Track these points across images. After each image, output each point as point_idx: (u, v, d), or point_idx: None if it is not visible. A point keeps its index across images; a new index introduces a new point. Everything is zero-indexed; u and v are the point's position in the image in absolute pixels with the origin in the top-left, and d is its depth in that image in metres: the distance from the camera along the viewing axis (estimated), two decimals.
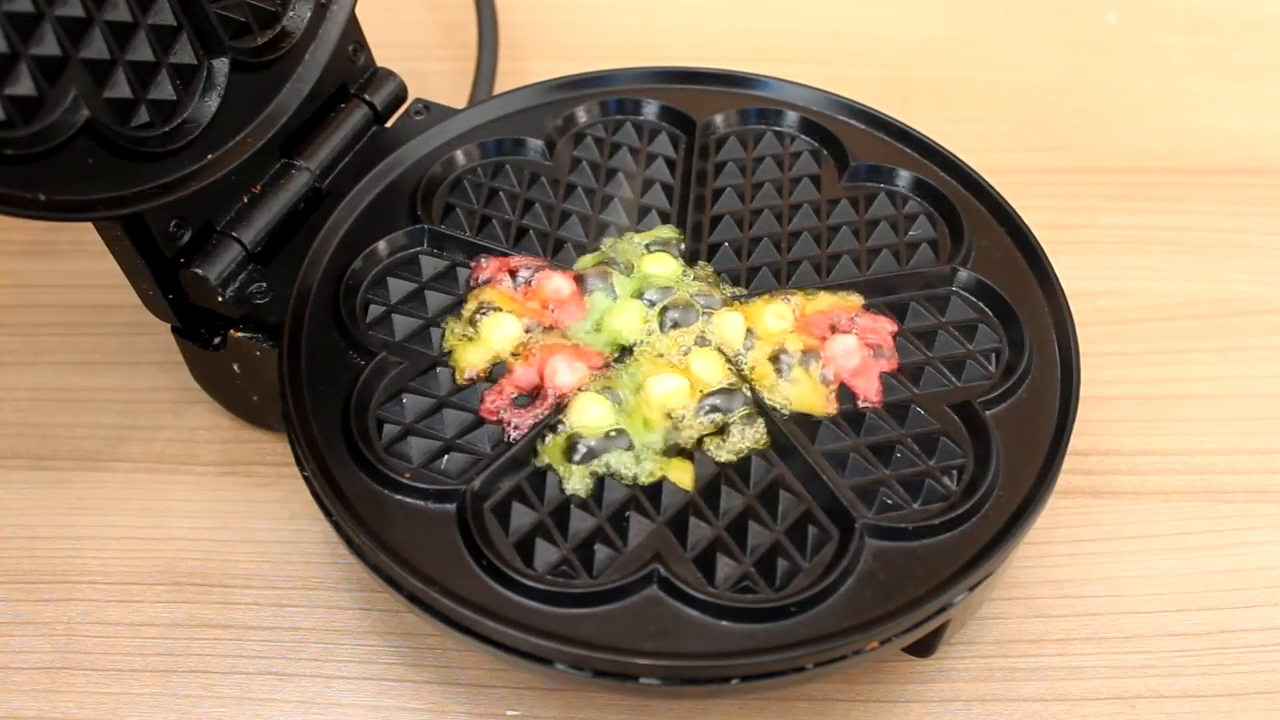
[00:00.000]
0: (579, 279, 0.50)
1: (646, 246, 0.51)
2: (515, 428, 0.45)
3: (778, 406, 0.46)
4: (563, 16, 0.75)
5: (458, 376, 0.47)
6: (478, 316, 0.48)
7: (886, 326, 0.48)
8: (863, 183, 0.54)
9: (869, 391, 0.46)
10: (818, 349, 0.47)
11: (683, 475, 0.44)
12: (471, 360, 0.47)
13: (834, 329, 0.48)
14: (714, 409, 0.46)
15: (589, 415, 0.45)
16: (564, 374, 0.46)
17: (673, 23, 0.76)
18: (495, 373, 0.47)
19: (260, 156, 0.50)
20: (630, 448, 0.45)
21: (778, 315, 0.48)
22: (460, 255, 0.51)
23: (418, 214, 0.52)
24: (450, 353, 0.47)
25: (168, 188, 0.46)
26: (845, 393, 0.47)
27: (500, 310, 0.48)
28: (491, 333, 0.47)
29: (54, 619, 0.49)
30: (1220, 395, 0.57)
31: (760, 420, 0.46)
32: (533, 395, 0.46)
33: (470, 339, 0.48)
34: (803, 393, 0.46)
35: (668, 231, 0.52)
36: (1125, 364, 0.58)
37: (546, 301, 0.49)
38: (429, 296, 0.50)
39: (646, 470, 0.44)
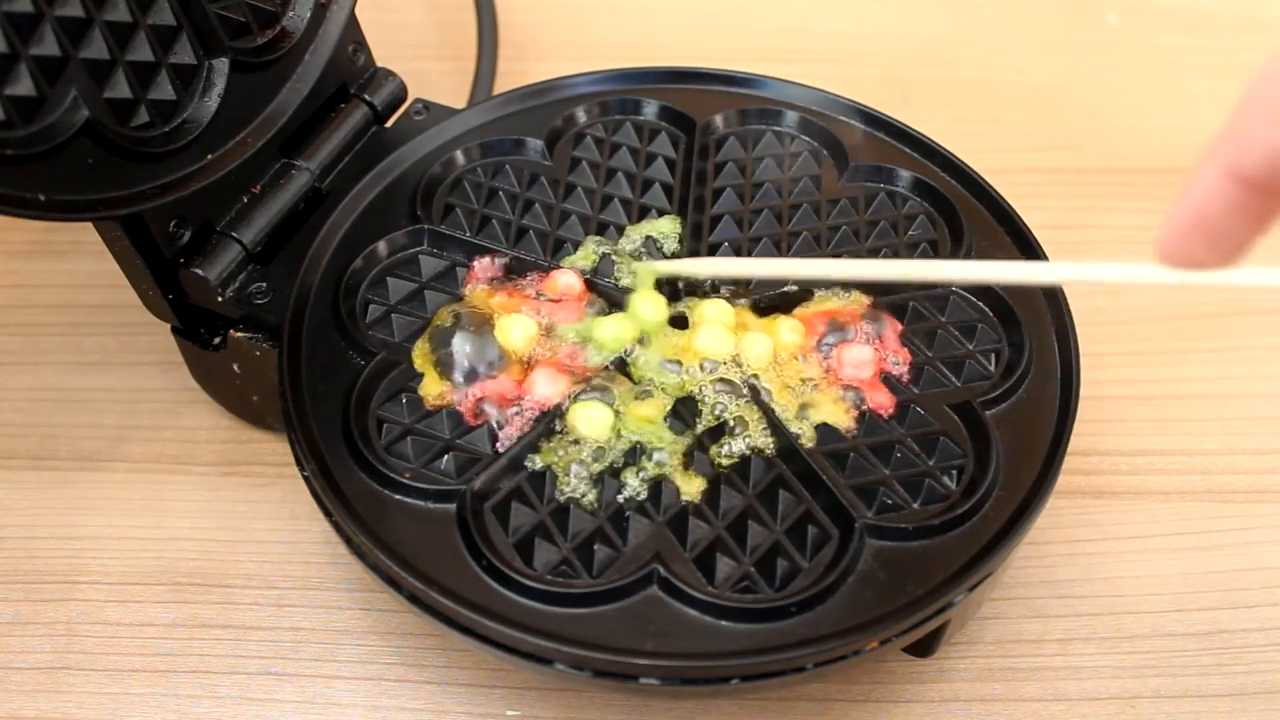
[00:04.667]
0: (589, 280, 0.50)
1: (640, 242, 0.52)
2: (506, 437, 0.45)
3: (799, 431, 0.46)
4: (563, 16, 0.75)
5: (425, 402, 0.46)
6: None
7: (895, 328, 0.48)
8: (863, 183, 0.54)
9: (883, 406, 0.46)
10: (832, 364, 0.47)
11: (687, 482, 0.44)
12: (436, 390, 0.46)
13: (835, 328, 0.48)
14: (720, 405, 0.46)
15: (589, 420, 0.45)
16: (543, 388, 0.46)
17: (673, 23, 0.76)
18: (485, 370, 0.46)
19: (260, 156, 0.50)
20: (630, 449, 0.45)
21: (792, 329, 0.48)
22: (460, 255, 0.51)
23: (418, 214, 0.52)
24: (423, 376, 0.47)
25: (168, 188, 0.46)
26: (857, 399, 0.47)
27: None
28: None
29: (54, 619, 0.49)
30: (1220, 395, 0.57)
31: (764, 424, 0.46)
32: (517, 404, 0.46)
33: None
34: (824, 415, 0.46)
35: (668, 223, 0.52)
36: (1125, 364, 0.58)
37: (556, 296, 0.49)
38: (429, 296, 0.50)
39: (647, 472, 0.44)
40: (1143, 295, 0.61)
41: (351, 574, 0.50)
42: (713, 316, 0.48)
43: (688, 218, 0.53)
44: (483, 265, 0.50)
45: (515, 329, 0.47)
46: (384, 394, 0.46)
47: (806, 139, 0.56)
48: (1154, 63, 0.73)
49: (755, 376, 0.47)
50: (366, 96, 0.55)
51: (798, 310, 0.49)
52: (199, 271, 0.48)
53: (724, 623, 0.40)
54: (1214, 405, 0.57)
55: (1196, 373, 0.58)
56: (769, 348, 0.47)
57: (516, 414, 0.46)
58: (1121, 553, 0.52)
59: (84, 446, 0.55)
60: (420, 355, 0.47)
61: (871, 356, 0.47)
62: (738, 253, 0.51)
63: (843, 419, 0.46)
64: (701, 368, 0.47)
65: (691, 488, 0.44)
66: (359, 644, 0.49)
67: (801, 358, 0.47)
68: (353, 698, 0.47)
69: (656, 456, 0.45)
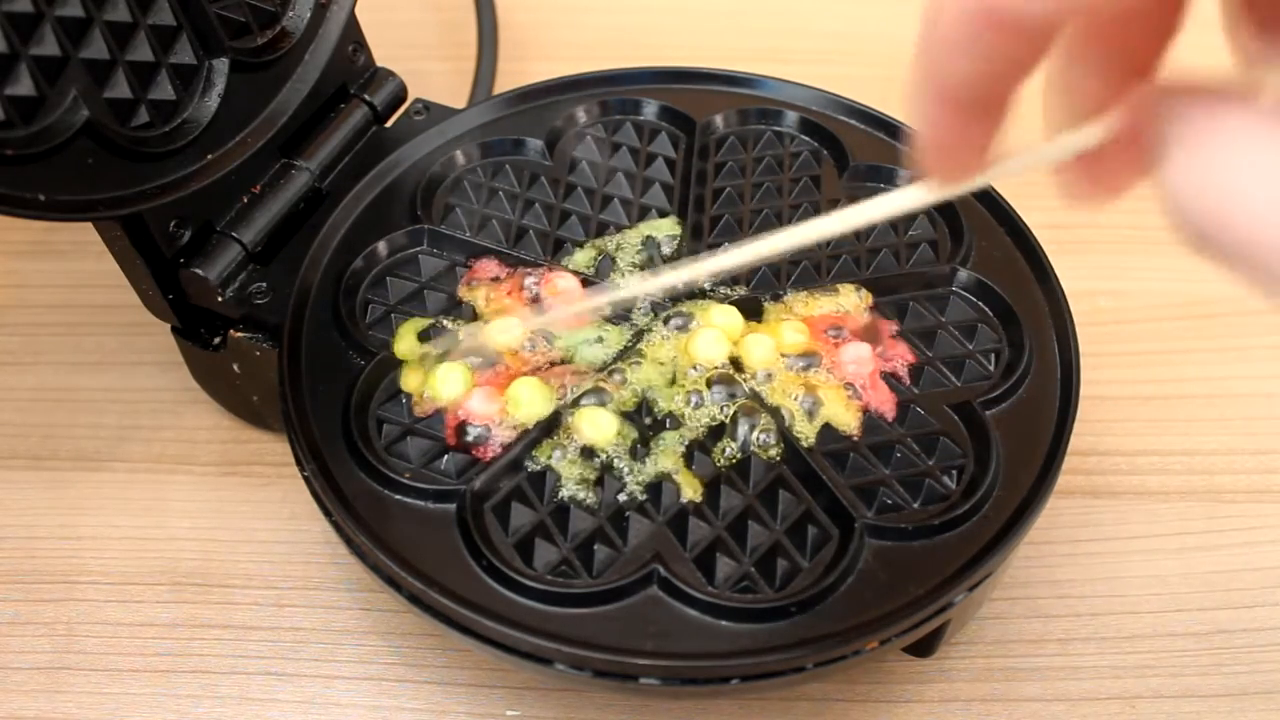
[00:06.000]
0: (586, 282, 0.50)
1: (643, 247, 0.52)
2: (489, 450, 0.45)
3: (800, 432, 0.45)
4: (563, 16, 0.75)
5: (415, 408, 0.46)
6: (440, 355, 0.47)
7: (895, 328, 0.48)
8: (863, 183, 0.54)
9: (884, 404, 0.46)
10: (831, 361, 0.47)
11: (687, 481, 0.44)
12: (416, 382, 0.46)
13: (838, 329, 0.48)
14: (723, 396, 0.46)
15: (595, 424, 0.45)
16: (528, 407, 0.45)
17: (673, 23, 0.76)
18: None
19: (260, 156, 0.50)
20: (632, 450, 0.45)
21: (796, 330, 0.48)
22: (460, 255, 0.51)
23: (418, 214, 0.52)
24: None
25: (168, 188, 0.46)
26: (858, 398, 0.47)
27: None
28: (440, 384, 0.46)
29: (54, 619, 0.49)
30: (1220, 395, 0.57)
31: (765, 424, 0.46)
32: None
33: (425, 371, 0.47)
34: (825, 415, 0.46)
35: (667, 224, 0.52)
36: (1125, 364, 0.58)
37: (556, 299, 0.49)
38: (429, 296, 0.50)
39: (647, 472, 0.44)
40: (1143, 295, 0.61)
41: (351, 574, 0.50)
42: (719, 322, 0.48)
43: (688, 218, 0.53)
44: (483, 265, 0.50)
45: (501, 331, 0.47)
46: (384, 394, 0.46)
47: (806, 139, 0.56)
48: None
49: (756, 377, 0.47)
50: (366, 96, 0.55)
51: (802, 310, 0.49)
52: (199, 271, 0.48)
53: (724, 623, 0.40)
54: (1214, 405, 0.57)
55: (1196, 373, 0.58)
56: (771, 349, 0.47)
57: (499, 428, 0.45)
58: (1121, 553, 0.52)
59: (84, 446, 0.55)
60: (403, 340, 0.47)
61: (870, 354, 0.47)
62: None
63: (844, 419, 0.46)
64: (695, 368, 0.47)
65: (691, 488, 0.44)
66: (359, 644, 0.49)
67: (804, 359, 0.47)
68: (353, 698, 0.47)
69: (657, 459, 0.45)
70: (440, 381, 0.46)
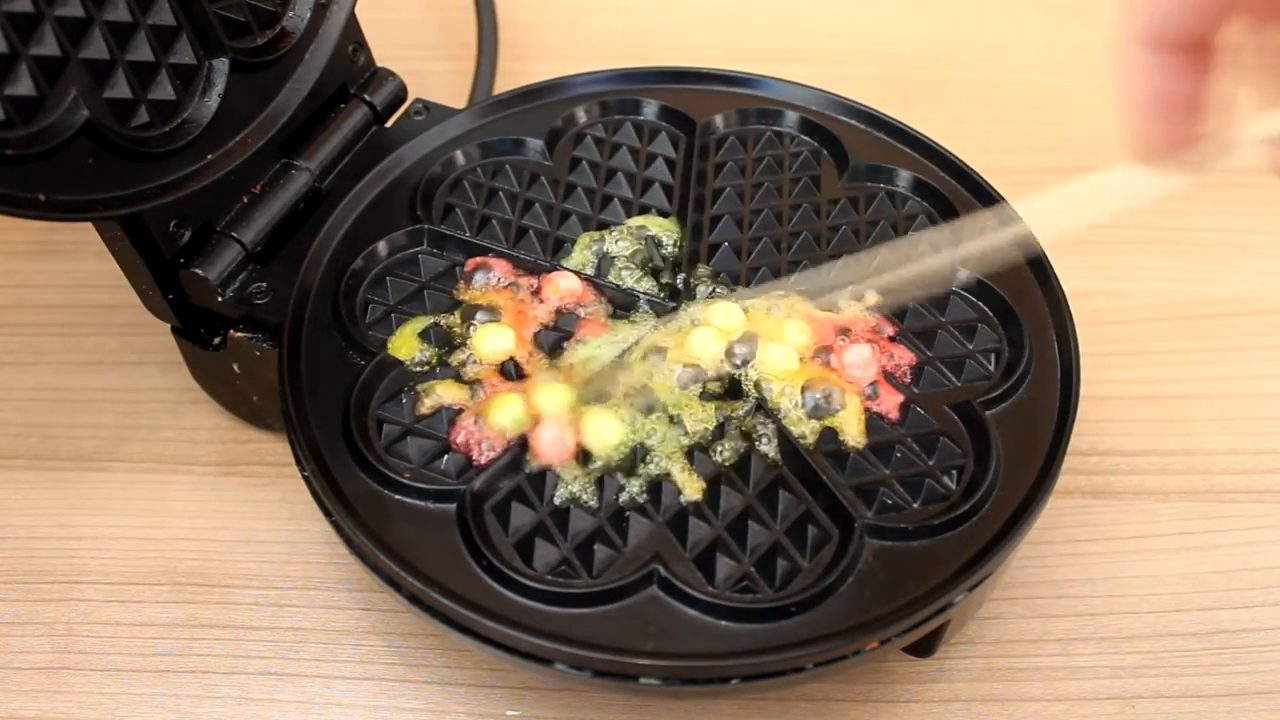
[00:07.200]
0: (591, 281, 0.50)
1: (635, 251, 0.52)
2: (483, 454, 0.45)
3: (801, 432, 0.45)
4: (563, 16, 0.75)
5: (421, 407, 0.46)
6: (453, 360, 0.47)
7: (895, 328, 0.48)
8: (863, 183, 0.54)
9: (886, 404, 0.46)
10: (834, 361, 0.47)
11: (687, 480, 0.44)
12: (442, 396, 0.46)
13: (844, 333, 0.48)
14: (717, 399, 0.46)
15: (598, 432, 0.45)
16: (548, 443, 0.44)
17: (673, 23, 0.76)
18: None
19: (260, 156, 0.50)
20: (632, 450, 0.45)
21: (798, 330, 0.48)
22: (460, 255, 0.51)
23: (417, 214, 0.52)
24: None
25: (168, 188, 0.47)
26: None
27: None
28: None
29: (54, 619, 0.49)
30: (1220, 395, 0.57)
31: (766, 425, 0.46)
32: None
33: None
34: (829, 416, 0.46)
35: (666, 223, 0.52)
36: (1125, 364, 0.58)
37: (560, 300, 0.49)
38: (429, 296, 0.50)
39: (648, 472, 0.44)
40: (1143, 295, 0.61)
41: (351, 574, 0.50)
42: (718, 321, 0.48)
43: (687, 218, 0.53)
44: (482, 265, 0.50)
45: (489, 339, 0.47)
46: (384, 394, 0.46)
47: (806, 139, 0.56)
48: None
49: (758, 377, 0.47)
50: (366, 96, 0.55)
51: (805, 310, 0.49)
52: (199, 271, 0.48)
53: (724, 623, 0.40)
54: (1214, 405, 0.57)
55: (1196, 373, 0.58)
56: (787, 354, 0.47)
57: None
58: (1121, 553, 0.52)
59: (84, 446, 0.55)
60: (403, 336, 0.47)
61: (872, 355, 0.47)
62: (737, 253, 0.51)
63: (849, 420, 0.46)
64: (696, 367, 0.47)
65: (691, 488, 0.44)
66: (359, 644, 0.49)
67: (809, 358, 0.47)
68: (353, 698, 0.47)
69: (657, 460, 0.45)
70: (497, 410, 0.45)
